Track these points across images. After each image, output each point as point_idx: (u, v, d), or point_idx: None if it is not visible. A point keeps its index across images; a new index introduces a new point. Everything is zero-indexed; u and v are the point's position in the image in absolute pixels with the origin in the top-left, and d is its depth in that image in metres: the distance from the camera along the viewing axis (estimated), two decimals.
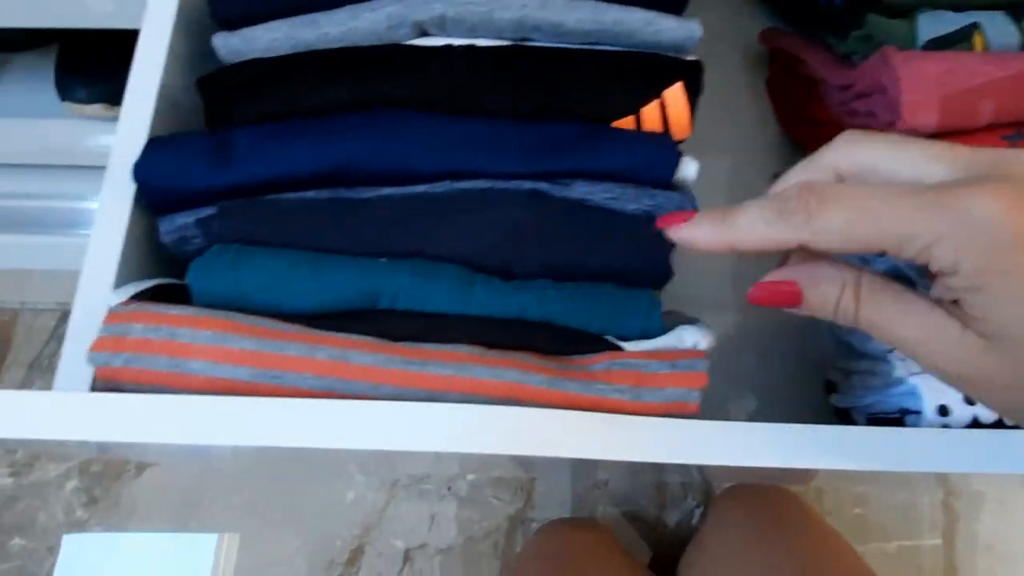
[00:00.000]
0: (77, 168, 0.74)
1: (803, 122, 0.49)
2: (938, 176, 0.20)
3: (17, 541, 0.76)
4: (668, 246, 0.31)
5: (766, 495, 0.63)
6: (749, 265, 0.48)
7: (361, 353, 0.27)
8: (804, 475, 0.69)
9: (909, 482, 0.74)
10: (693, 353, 0.28)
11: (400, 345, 0.28)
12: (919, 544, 0.77)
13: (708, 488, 0.77)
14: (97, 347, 0.27)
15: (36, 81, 0.72)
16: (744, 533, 0.60)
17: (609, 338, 0.29)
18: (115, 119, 0.69)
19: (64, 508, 0.77)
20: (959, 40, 0.37)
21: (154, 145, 0.32)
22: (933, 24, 0.38)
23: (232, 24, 0.36)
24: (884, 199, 0.19)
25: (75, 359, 0.30)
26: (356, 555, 0.76)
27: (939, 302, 0.20)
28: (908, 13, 0.39)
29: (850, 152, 0.22)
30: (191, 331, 0.27)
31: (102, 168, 0.73)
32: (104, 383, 0.27)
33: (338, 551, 0.76)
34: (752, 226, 0.22)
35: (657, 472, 0.76)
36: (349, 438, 0.24)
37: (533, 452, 0.25)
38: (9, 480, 0.78)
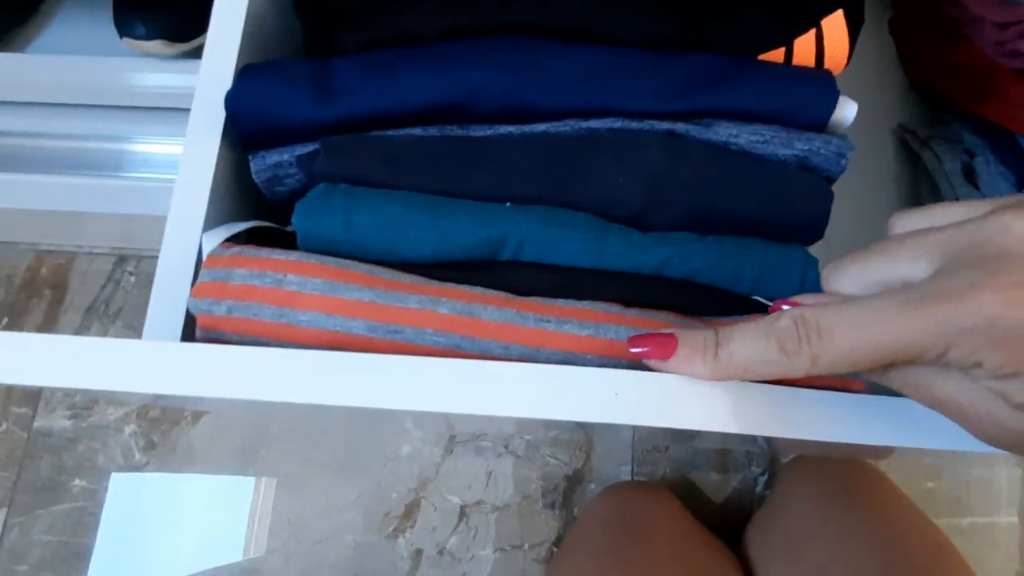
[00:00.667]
0: (135, 109, 0.71)
1: (936, 67, 0.44)
2: (924, 271, 0.20)
3: (78, 482, 0.77)
4: (827, 196, 0.27)
5: (840, 467, 0.61)
6: (871, 222, 0.44)
7: (489, 308, 0.24)
8: (885, 449, 0.66)
9: (986, 456, 0.70)
10: None
11: (531, 300, 0.25)
12: (994, 521, 0.74)
13: (774, 456, 0.74)
14: (198, 293, 0.24)
15: (94, 17, 0.69)
16: (816, 504, 0.57)
17: (759, 299, 0.26)
18: (176, 56, 0.66)
19: (123, 451, 0.77)
20: None
21: (248, 73, 0.29)
22: None
23: None
24: (884, 318, 0.19)
25: (164, 306, 0.27)
26: (412, 509, 0.75)
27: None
28: None
29: (838, 281, 0.22)
30: (299, 278, 0.24)
31: (161, 109, 0.70)
32: (206, 333, 0.25)
33: (394, 504, 0.75)
34: (750, 364, 0.21)
35: (722, 438, 0.74)
36: (487, 404, 0.21)
37: (685, 425, 0.22)
38: (68, 423, 0.78)
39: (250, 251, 0.25)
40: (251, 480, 0.76)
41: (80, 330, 0.81)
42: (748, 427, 0.21)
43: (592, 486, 0.75)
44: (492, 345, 0.24)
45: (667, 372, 0.22)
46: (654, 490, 0.65)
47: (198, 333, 0.25)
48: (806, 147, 0.27)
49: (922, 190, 0.44)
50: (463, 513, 0.74)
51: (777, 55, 0.29)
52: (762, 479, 0.74)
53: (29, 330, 0.80)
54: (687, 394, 0.21)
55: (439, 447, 0.76)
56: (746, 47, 0.29)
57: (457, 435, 0.76)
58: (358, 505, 0.75)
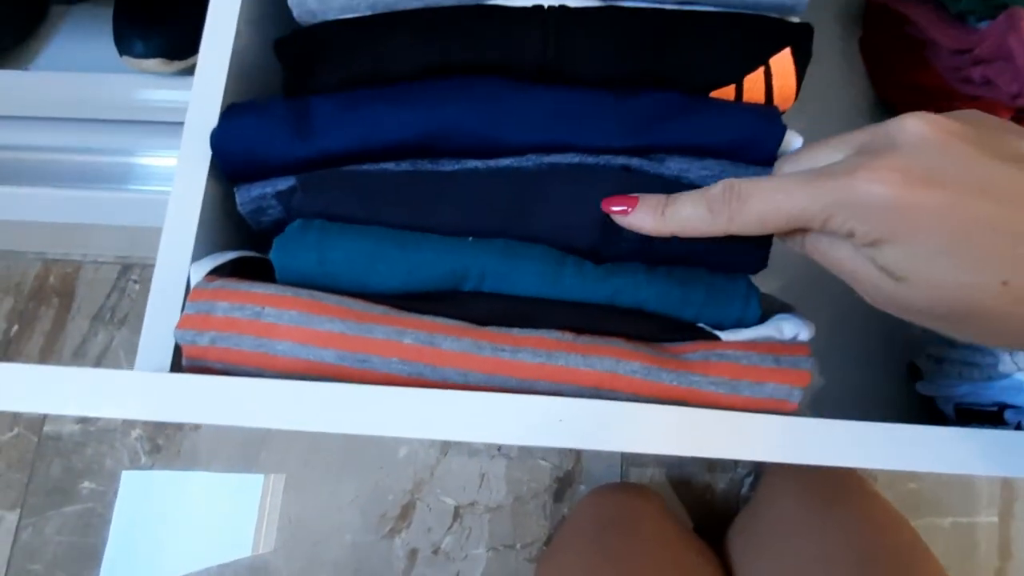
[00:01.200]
0: (134, 122, 0.73)
1: (901, 87, 0.45)
2: (840, 152, 0.24)
3: (87, 484, 0.79)
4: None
5: (821, 470, 0.62)
6: None
7: (450, 338, 0.26)
8: None
9: None
10: (796, 348, 0.27)
11: (489, 330, 0.27)
12: (975, 521, 0.75)
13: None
14: (183, 325, 0.27)
15: (94, 34, 0.72)
16: (798, 506, 0.59)
17: (703, 326, 0.28)
18: (173, 74, 0.68)
19: (130, 454, 0.80)
20: None
21: (231, 112, 0.31)
22: None
23: None
24: (786, 190, 0.23)
25: (156, 334, 0.29)
26: (408, 510, 0.78)
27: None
28: None
29: (782, 169, 0.27)
30: (276, 311, 0.26)
31: (159, 123, 0.73)
32: (191, 361, 0.27)
33: (390, 504, 0.78)
34: (688, 220, 0.25)
35: None
36: (439, 429, 0.23)
37: (627, 448, 0.24)
38: (77, 427, 0.81)
39: (232, 284, 0.27)
40: (260, 477, 0.78)
41: (87, 336, 0.84)
42: (681, 448, 0.23)
43: (582, 487, 0.77)
44: (452, 373, 0.26)
45: (628, 226, 0.26)
46: (641, 491, 0.67)
47: (184, 361, 0.27)
48: None
49: None
50: (457, 513, 0.76)
51: (728, 92, 0.31)
52: (748, 481, 0.76)
53: (38, 336, 0.83)
54: (624, 419, 0.23)
55: (434, 449, 0.78)
56: (699, 84, 0.31)
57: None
58: (356, 505, 0.77)
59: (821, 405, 0.46)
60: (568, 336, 0.27)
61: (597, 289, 0.28)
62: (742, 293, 0.28)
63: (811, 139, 0.47)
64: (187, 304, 0.27)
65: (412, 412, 0.23)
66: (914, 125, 0.22)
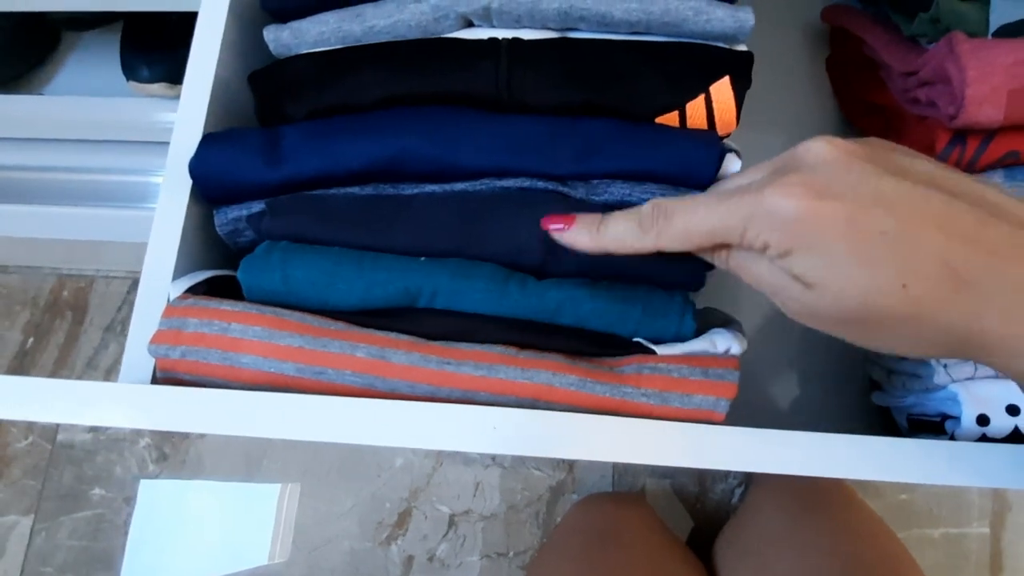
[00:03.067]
0: (142, 143, 0.77)
1: (862, 106, 0.47)
2: (757, 173, 0.26)
3: (97, 491, 0.82)
4: None
5: (808, 481, 0.63)
6: None
7: (399, 352, 0.28)
8: None
9: None
10: (726, 361, 0.28)
11: (436, 345, 0.28)
12: (965, 532, 0.75)
13: None
14: (156, 340, 0.29)
15: (103, 59, 0.75)
16: (782, 517, 0.60)
17: (641, 340, 0.30)
18: (176, 97, 0.72)
19: (138, 462, 0.83)
20: None
21: (208, 141, 0.34)
22: (1008, 7, 0.35)
23: (282, 16, 0.37)
24: (708, 207, 0.25)
25: (138, 347, 0.32)
26: (404, 518, 0.80)
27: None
28: None
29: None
30: (241, 327, 0.28)
31: (163, 144, 0.76)
32: (164, 373, 0.29)
33: (387, 513, 0.80)
34: (620, 237, 0.27)
35: None
36: (383, 436, 0.25)
37: (555, 454, 0.26)
38: (88, 436, 0.84)
39: (202, 302, 0.30)
40: (276, 487, 0.81)
41: (99, 348, 0.87)
42: (606, 454, 0.25)
43: (574, 497, 0.79)
44: (400, 384, 0.28)
45: (566, 243, 0.28)
46: (629, 500, 0.68)
47: (158, 373, 0.29)
48: None
49: None
50: (452, 522, 0.78)
51: (672, 118, 0.33)
52: (739, 491, 0.77)
53: (53, 348, 0.86)
54: (554, 427, 0.25)
55: (430, 459, 0.80)
56: (644, 111, 0.33)
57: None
58: (354, 513, 0.79)
59: (795, 415, 0.47)
60: (510, 351, 0.28)
61: (540, 303, 0.29)
62: (678, 309, 0.30)
63: (778, 153, 0.49)
64: (161, 320, 0.29)
65: (358, 421, 0.25)
66: (818, 146, 0.24)
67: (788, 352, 0.46)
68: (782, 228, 0.23)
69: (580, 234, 0.28)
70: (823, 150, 0.24)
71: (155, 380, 0.31)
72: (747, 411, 0.44)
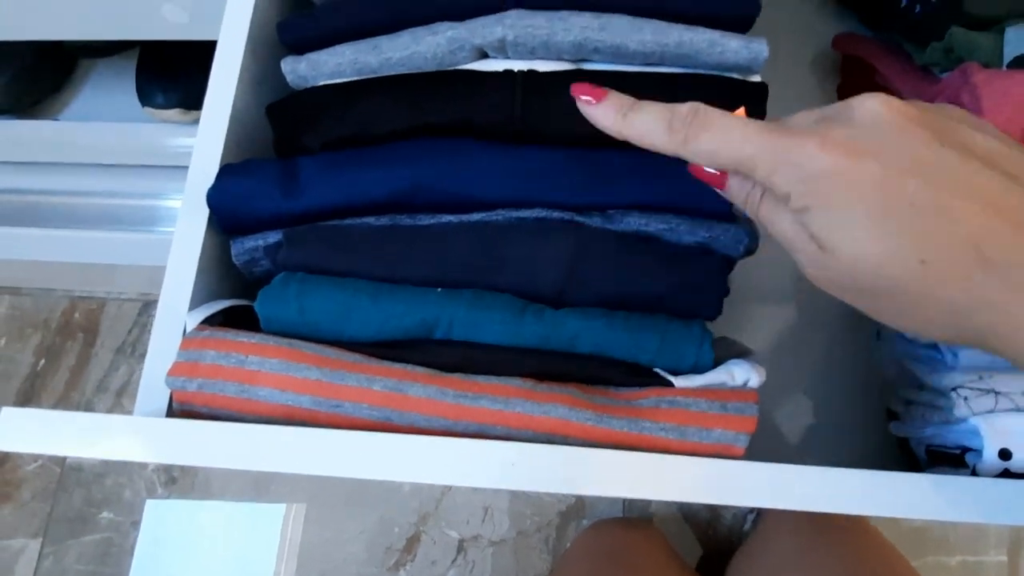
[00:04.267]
0: (156, 168, 0.78)
1: None
2: (808, 119, 0.24)
3: (106, 514, 0.82)
4: (722, 280, 0.30)
5: None
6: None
7: (416, 385, 0.28)
8: None
9: None
10: (745, 394, 0.28)
11: (454, 377, 0.28)
12: (982, 560, 0.74)
13: None
14: (173, 372, 0.29)
15: (119, 86, 0.76)
16: (793, 544, 0.59)
17: (659, 371, 0.29)
18: (190, 122, 0.73)
19: (147, 485, 0.83)
20: None
21: (226, 173, 0.34)
22: (1023, 37, 0.35)
23: (299, 48, 0.38)
24: (745, 134, 0.23)
25: (154, 378, 0.32)
26: (412, 543, 0.79)
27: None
28: (995, 25, 0.37)
29: None
30: (258, 359, 0.28)
31: (179, 168, 0.77)
32: (181, 405, 0.29)
33: (396, 537, 0.79)
34: (646, 130, 0.25)
35: None
36: (400, 472, 0.25)
37: (574, 491, 0.25)
38: (97, 460, 0.84)
39: (219, 334, 0.30)
40: (280, 508, 0.80)
41: (109, 370, 0.87)
42: (627, 491, 0.25)
43: (585, 522, 0.78)
44: (417, 418, 0.27)
45: (588, 116, 0.26)
46: (640, 526, 0.68)
47: (175, 405, 0.29)
48: (708, 234, 0.31)
49: None
50: (461, 547, 0.77)
51: None
52: (750, 517, 0.76)
53: (64, 370, 0.87)
54: (573, 463, 0.25)
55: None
56: None
57: None
58: (362, 538, 0.79)
59: (811, 444, 0.47)
60: (528, 383, 0.28)
61: (557, 334, 0.29)
62: (696, 339, 0.30)
63: None
64: (178, 352, 0.30)
65: (375, 456, 0.25)
66: (872, 104, 0.23)
67: (804, 380, 0.45)
68: (807, 181, 0.22)
69: (606, 113, 0.26)
70: (876, 109, 0.22)
71: (171, 410, 0.31)
72: (764, 439, 0.44)
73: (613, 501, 0.79)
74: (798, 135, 0.22)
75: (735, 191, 0.26)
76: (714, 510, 0.76)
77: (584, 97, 0.26)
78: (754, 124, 0.24)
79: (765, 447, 0.44)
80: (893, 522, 0.74)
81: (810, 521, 0.61)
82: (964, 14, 0.37)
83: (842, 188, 0.21)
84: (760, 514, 0.75)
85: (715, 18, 0.34)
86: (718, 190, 0.27)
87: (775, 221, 0.24)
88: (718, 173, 0.26)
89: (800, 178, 0.22)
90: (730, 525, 0.76)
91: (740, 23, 0.35)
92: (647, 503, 0.78)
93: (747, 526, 0.76)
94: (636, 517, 0.78)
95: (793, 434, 0.45)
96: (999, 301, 0.21)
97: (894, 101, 0.23)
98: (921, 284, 0.21)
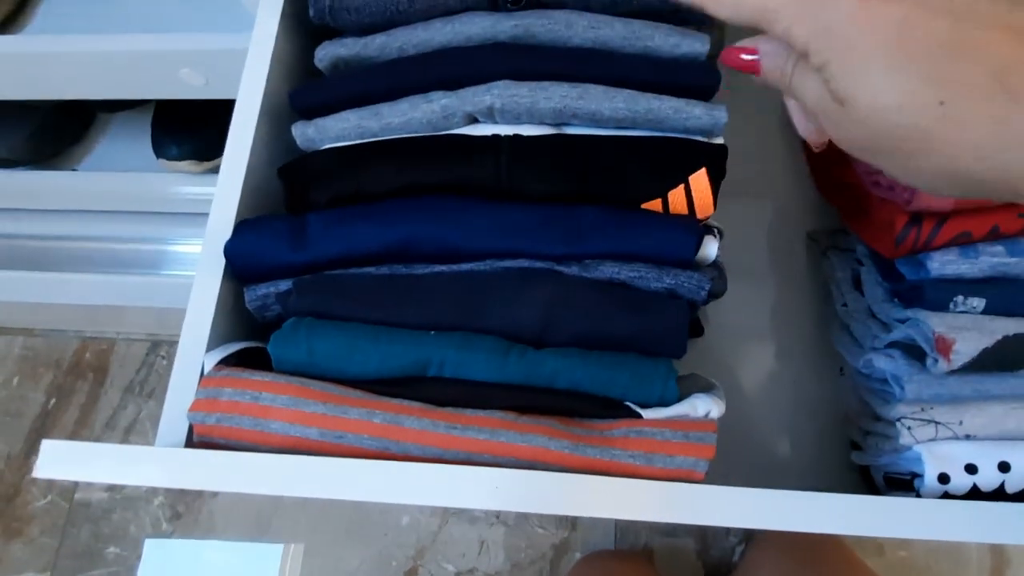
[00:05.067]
0: (166, 214, 0.82)
1: (832, 183, 0.51)
2: None
3: (112, 549, 0.84)
4: (685, 323, 0.34)
5: (805, 536, 0.65)
6: (786, 318, 0.51)
7: (411, 418, 0.31)
8: None
9: None
10: (705, 425, 0.31)
11: (444, 411, 0.32)
12: None
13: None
14: (194, 408, 0.32)
15: (134, 138, 0.81)
16: (779, 570, 0.61)
17: (629, 404, 0.33)
18: (202, 173, 0.77)
19: (152, 521, 0.85)
20: None
21: (242, 228, 0.38)
22: None
23: (308, 114, 0.42)
24: None
25: (174, 412, 0.35)
26: None
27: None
28: None
29: None
30: (271, 395, 0.32)
31: (188, 214, 0.81)
32: (201, 437, 0.32)
33: (394, 571, 0.81)
34: None
35: None
36: (397, 495, 0.28)
37: (553, 511, 0.29)
38: (105, 495, 0.86)
39: (236, 373, 0.33)
40: (279, 547, 0.82)
41: (118, 408, 0.90)
42: (598, 510, 0.28)
43: (577, 555, 0.80)
44: (412, 447, 0.31)
45: None
46: (631, 557, 0.70)
47: (195, 437, 0.33)
48: (673, 281, 0.35)
49: (825, 291, 0.50)
50: None
51: (656, 205, 0.37)
52: (739, 549, 0.78)
53: (74, 409, 0.90)
54: (550, 486, 0.28)
55: (436, 517, 0.82)
56: (630, 198, 0.37)
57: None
58: (361, 572, 0.81)
59: (784, 473, 0.50)
60: (511, 416, 0.32)
61: (538, 371, 0.33)
62: (662, 376, 0.33)
63: (759, 233, 0.53)
64: (198, 389, 0.33)
65: (375, 480, 0.29)
66: None
67: (778, 415, 0.49)
68: (828, 31, 0.22)
69: None
70: None
71: (189, 442, 0.34)
72: (742, 469, 0.47)
73: (605, 534, 0.81)
74: None
75: (768, 71, 0.26)
76: (704, 542, 0.78)
77: None
78: None
79: (742, 475, 0.47)
80: (878, 553, 0.76)
81: (795, 553, 0.63)
82: None
83: (864, 34, 0.21)
84: (748, 545, 0.77)
85: (681, 88, 0.38)
86: (754, 76, 0.27)
87: (804, 89, 0.24)
88: (750, 60, 0.27)
89: (821, 28, 0.22)
90: (719, 558, 0.78)
91: (704, 92, 0.39)
92: (638, 536, 0.80)
93: (735, 558, 0.78)
94: (627, 550, 0.80)
95: (767, 464, 0.48)
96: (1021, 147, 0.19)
97: None
98: (942, 127, 0.20)
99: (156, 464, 0.31)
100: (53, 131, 0.80)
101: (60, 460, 0.31)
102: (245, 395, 0.32)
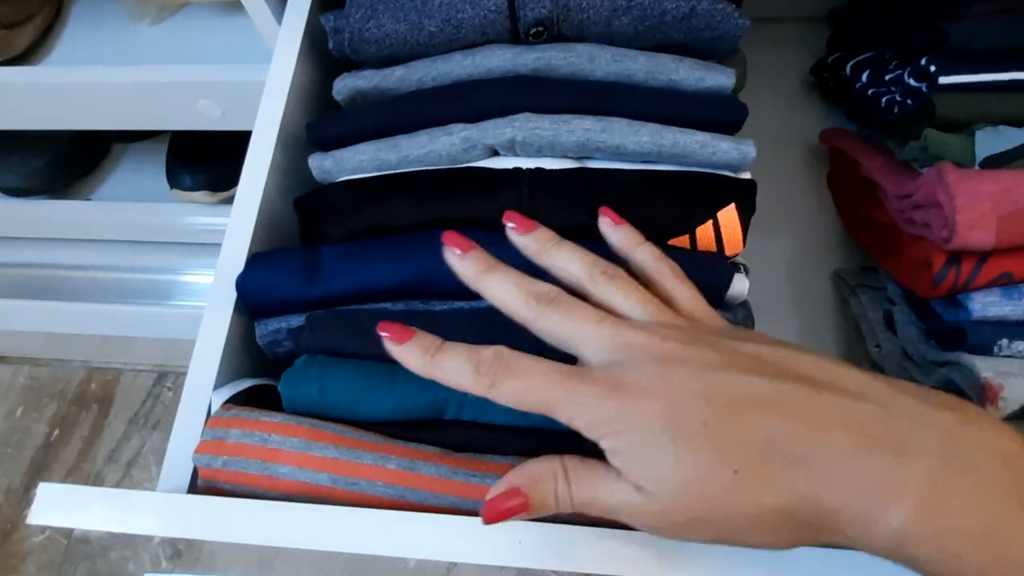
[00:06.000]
0: (176, 244, 0.81)
1: (860, 221, 0.49)
2: (595, 358, 0.26)
3: None
4: None
5: None
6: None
7: (427, 464, 0.29)
8: None
9: None
10: None
11: (463, 457, 0.30)
12: None
13: None
14: (200, 450, 0.31)
15: (149, 168, 0.81)
16: None
17: None
18: (215, 203, 0.76)
19: (152, 559, 0.82)
20: (1019, 156, 0.38)
21: (254, 261, 0.37)
22: (992, 140, 0.38)
23: (325, 146, 0.41)
24: (548, 380, 0.24)
25: (178, 453, 0.33)
26: None
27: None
28: (966, 128, 0.40)
29: None
30: (280, 437, 0.30)
31: (198, 244, 0.80)
32: (206, 482, 0.31)
33: None
34: (453, 373, 0.26)
35: None
36: (410, 548, 0.26)
37: (581, 568, 0.27)
38: (104, 532, 0.84)
39: (244, 413, 0.32)
40: None
41: (121, 440, 0.88)
42: (624, 569, 0.26)
43: None
44: (428, 495, 0.29)
45: (398, 358, 0.26)
46: None
47: (200, 482, 0.31)
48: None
49: (854, 332, 0.48)
50: None
51: (684, 240, 0.35)
52: None
53: (76, 441, 0.88)
54: (576, 542, 0.26)
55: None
56: (657, 234, 0.35)
57: None
58: None
59: None
60: None
61: None
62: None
63: (781, 270, 0.52)
64: (204, 431, 0.31)
65: (389, 533, 0.27)
66: (639, 340, 0.25)
67: None
68: (606, 424, 0.23)
69: (413, 353, 0.26)
70: (645, 349, 0.25)
71: (193, 484, 0.33)
72: None
73: None
74: (589, 382, 0.24)
75: (541, 498, 0.25)
76: None
77: (388, 337, 0.27)
78: (556, 369, 0.25)
79: None
80: None
81: None
82: (938, 116, 0.40)
83: (638, 429, 0.23)
84: None
85: (707, 122, 0.37)
86: (522, 515, 0.25)
87: (593, 496, 0.25)
88: (520, 500, 0.25)
89: (600, 422, 0.24)
90: None
91: (730, 127, 0.38)
92: None
93: None
94: None
95: None
96: (810, 491, 0.22)
97: (652, 340, 0.25)
98: (742, 494, 0.22)
99: (156, 511, 0.29)
100: (68, 161, 0.80)
101: (56, 506, 0.29)
102: (253, 437, 0.30)
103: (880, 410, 0.22)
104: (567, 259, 0.30)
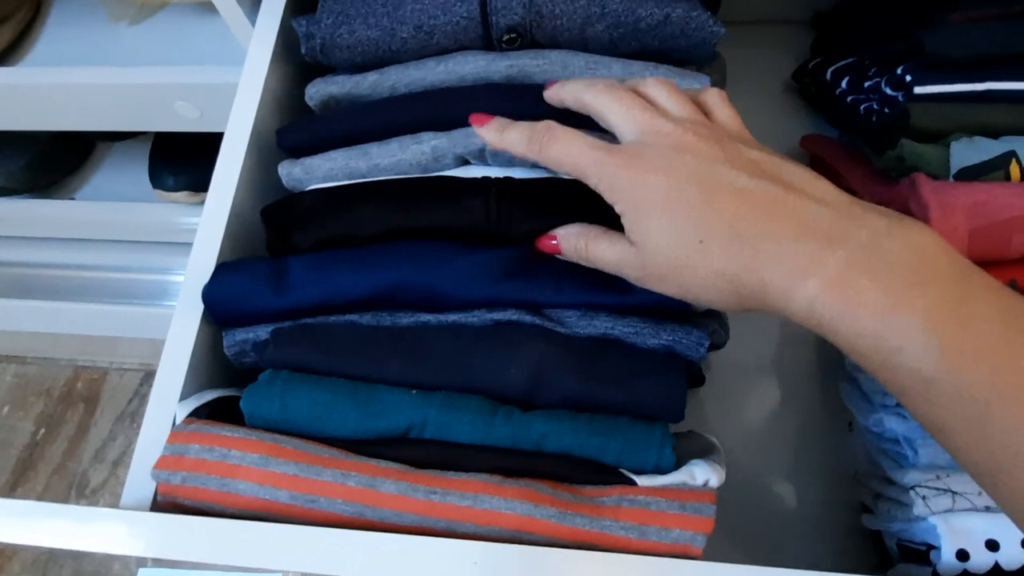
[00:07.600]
0: (163, 244, 0.81)
1: None
2: (628, 136, 0.31)
3: None
4: (682, 384, 0.32)
5: None
6: (791, 368, 0.48)
7: (388, 481, 0.29)
8: None
9: None
10: (703, 495, 0.29)
11: (425, 473, 0.30)
12: None
13: None
14: (159, 466, 0.30)
15: (132, 168, 0.80)
16: None
17: (623, 471, 0.31)
18: (198, 204, 0.76)
19: (137, 558, 0.82)
20: (994, 169, 0.37)
21: (221, 271, 0.36)
22: (967, 151, 0.38)
23: (296, 152, 0.41)
24: (581, 149, 0.30)
25: (143, 467, 0.33)
26: None
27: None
28: (942, 138, 0.39)
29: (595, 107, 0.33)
30: (240, 453, 0.30)
31: (186, 244, 0.80)
32: (165, 497, 0.30)
33: None
34: (512, 141, 0.33)
35: None
36: (367, 569, 0.26)
37: None
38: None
39: (205, 428, 0.31)
40: None
41: (107, 439, 0.88)
42: None
43: None
44: (389, 513, 0.29)
45: (481, 135, 0.34)
46: None
47: (159, 497, 0.31)
48: (670, 337, 0.33)
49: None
50: None
51: None
52: None
53: (62, 440, 0.88)
54: (534, 564, 0.26)
55: None
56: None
57: None
58: None
59: (783, 536, 0.47)
60: (496, 479, 0.29)
61: (525, 435, 0.31)
62: (657, 442, 0.31)
63: None
64: (165, 445, 0.31)
65: (343, 553, 0.27)
66: (665, 128, 0.30)
67: (782, 471, 0.46)
68: (621, 190, 0.29)
69: (489, 130, 0.34)
70: (669, 137, 0.29)
71: (155, 502, 0.32)
72: (744, 529, 0.45)
73: None
74: (615, 154, 0.29)
75: (568, 250, 0.33)
76: None
77: (475, 123, 0.34)
78: (589, 141, 0.30)
79: (746, 537, 0.45)
80: None
81: None
82: (913, 126, 0.39)
83: (641, 196, 0.28)
84: None
85: None
86: (557, 255, 0.34)
87: (601, 252, 0.31)
88: (553, 243, 0.33)
89: (616, 187, 0.29)
90: None
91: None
92: None
93: None
94: None
95: (768, 526, 0.45)
96: (754, 264, 0.27)
97: (683, 132, 0.29)
98: (702, 258, 0.27)
99: (114, 529, 0.29)
100: (51, 160, 0.80)
101: (13, 523, 0.29)
102: (213, 452, 0.30)
103: (832, 212, 0.27)
104: (514, 134, 0.33)
